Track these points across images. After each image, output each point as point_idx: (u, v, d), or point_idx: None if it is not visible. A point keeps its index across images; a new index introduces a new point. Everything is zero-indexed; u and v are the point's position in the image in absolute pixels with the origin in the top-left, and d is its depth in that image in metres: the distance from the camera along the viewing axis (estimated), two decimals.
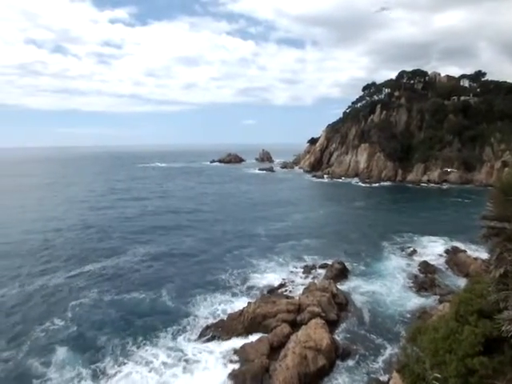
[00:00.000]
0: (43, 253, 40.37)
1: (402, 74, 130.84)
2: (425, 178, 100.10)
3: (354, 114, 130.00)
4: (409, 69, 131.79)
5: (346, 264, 34.76)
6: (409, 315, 25.93)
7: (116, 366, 20.66)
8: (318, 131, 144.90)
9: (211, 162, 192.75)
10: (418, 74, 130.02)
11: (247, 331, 23.81)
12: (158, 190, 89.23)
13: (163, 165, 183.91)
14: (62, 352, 21.87)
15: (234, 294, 29.92)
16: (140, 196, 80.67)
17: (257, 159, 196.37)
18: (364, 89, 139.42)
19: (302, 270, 34.82)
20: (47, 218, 58.16)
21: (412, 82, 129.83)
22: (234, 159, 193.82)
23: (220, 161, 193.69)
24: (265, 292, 29.82)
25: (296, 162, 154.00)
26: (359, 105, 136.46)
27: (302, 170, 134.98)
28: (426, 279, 31.77)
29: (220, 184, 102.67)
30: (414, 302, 28.12)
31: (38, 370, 20.43)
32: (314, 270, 34.61)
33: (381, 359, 21.14)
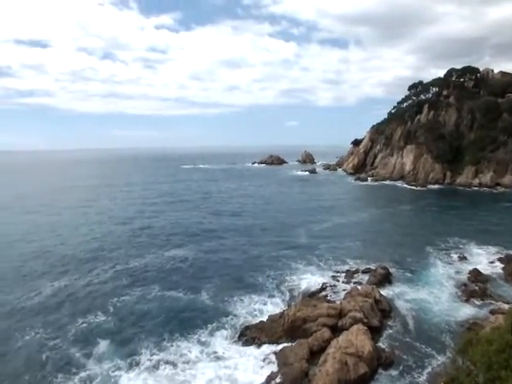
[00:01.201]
0: (90, 249, 42.32)
1: (451, 72, 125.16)
2: (476, 181, 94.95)
3: (399, 115, 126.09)
4: (459, 66, 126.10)
5: (390, 269, 33.63)
6: (458, 326, 24.56)
7: (150, 360, 21.41)
8: (362, 132, 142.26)
9: (253, 164, 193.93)
10: (469, 70, 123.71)
11: (287, 334, 23.57)
12: (199, 191, 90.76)
13: (206, 166, 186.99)
14: (102, 344, 22.97)
15: (271, 296, 29.78)
16: (183, 197, 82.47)
17: (299, 161, 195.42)
18: (410, 88, 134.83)
19: (344, 274, 34.01)
20: (94, 217, 61.00)
21: (462, 79, 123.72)
22: (275, 161, 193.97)
23: (262, 162, 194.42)
24: (305, 295, 29.37)
25: (339, 164, 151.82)
26: (405, 105, 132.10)
27: (345, 172, 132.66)
28: (476, 288, 30.00)
29: (261, 186, 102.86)
30: (464, 311, 26.60)
31: (80, 359, 21.57)
32: (356, 275, 33.72)
33: (426, 370, 20.15)
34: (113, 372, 20.35)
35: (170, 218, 59.56)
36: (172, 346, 22.86)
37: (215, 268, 36.34)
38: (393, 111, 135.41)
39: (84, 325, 25.30)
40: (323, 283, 31.85)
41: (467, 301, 28.21)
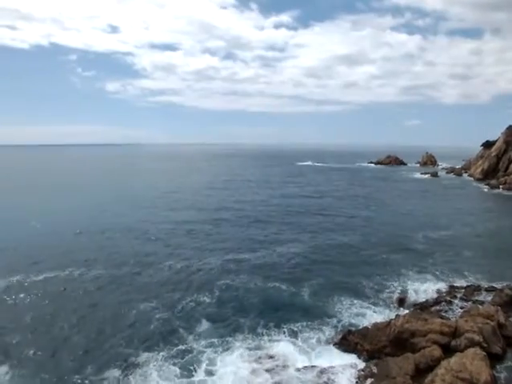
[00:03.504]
0: (205, 237, 45.78)
1: None
2: None
3: None
4: None
5: None
6: None
7: (242, 345, 22.22)
8: (496, 133, 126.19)
9: (369, 163, 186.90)
10: None
11: (392, 345, 22.04)
12: (312, 190, 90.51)
13: (321, 164, 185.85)
14: (203, 322, 24.77)
15: (376, 301, 28.27)
16: (296, 195, 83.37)
17: (419, 163, 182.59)
18: None
19: (463, 289, 30.54)
20: (210, 211, 65.57)
21: None
22: (393, 161, 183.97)
23: (378, 163, 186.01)
24: (416, 307, 27.14)
25: (465, 168, 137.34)
26: None
27: (471, 177, 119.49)
28: None
29: (377, 187, 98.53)
30: None
31: (182, 333, 23.53)
32: (477, 292, 30.01)
33: None
34: (206, 349, 21.74)
35: (282, 214, 60.63)
36: (264, 335, 23.36)
37: (321, 266, 35.88)
38: None
39: (191, 303, 27.52)
40: (437, 296, 29.13)
41: None
